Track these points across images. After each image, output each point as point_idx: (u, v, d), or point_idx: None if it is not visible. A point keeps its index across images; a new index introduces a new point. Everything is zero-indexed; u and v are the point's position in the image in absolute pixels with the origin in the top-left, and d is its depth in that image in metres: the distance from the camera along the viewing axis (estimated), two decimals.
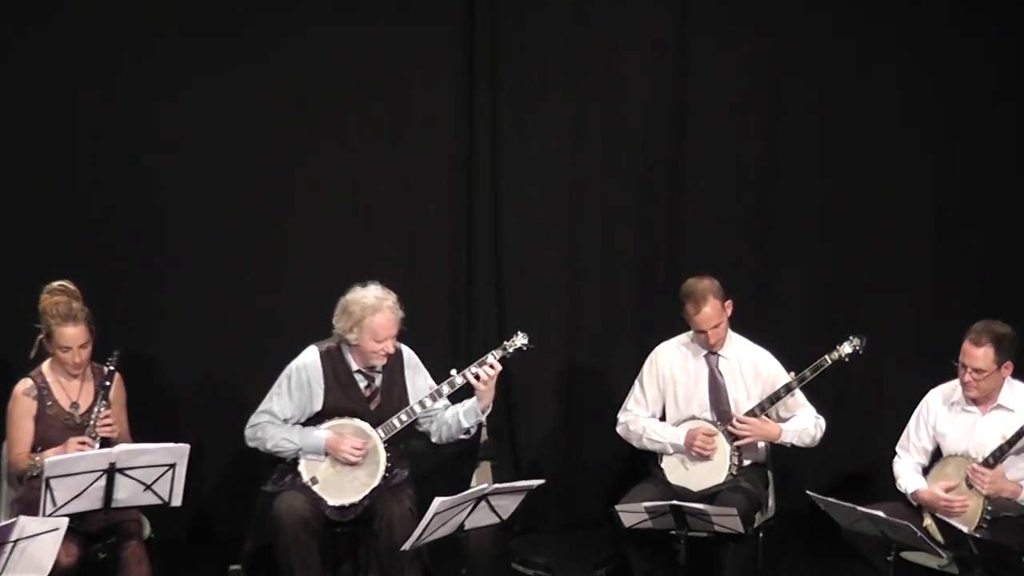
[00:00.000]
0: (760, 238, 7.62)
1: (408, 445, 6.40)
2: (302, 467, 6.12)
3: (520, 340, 6.26)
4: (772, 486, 6.61)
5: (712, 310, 6.33)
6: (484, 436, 7.12)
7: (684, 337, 6.63)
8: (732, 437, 6.25)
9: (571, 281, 7.55)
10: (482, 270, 7.48)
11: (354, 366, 6.18)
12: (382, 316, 6.07)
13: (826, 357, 6.26)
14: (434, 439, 6.35)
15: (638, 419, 6.58)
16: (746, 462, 6.42)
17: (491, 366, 6.10)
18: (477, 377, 6.10)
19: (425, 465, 6.69)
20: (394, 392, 6.24)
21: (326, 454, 6.08)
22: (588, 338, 7.58)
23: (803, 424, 6.41)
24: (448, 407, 6.29)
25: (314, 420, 6.21)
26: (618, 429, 6.64)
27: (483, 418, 6.25)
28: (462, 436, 6.31)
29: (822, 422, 6.47)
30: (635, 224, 7.55)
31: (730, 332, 6.54)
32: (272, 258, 7.18)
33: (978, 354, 5.95)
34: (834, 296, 7.63)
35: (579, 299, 7.56)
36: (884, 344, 6.90)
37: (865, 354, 6.34)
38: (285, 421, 6.15)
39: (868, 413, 7.31)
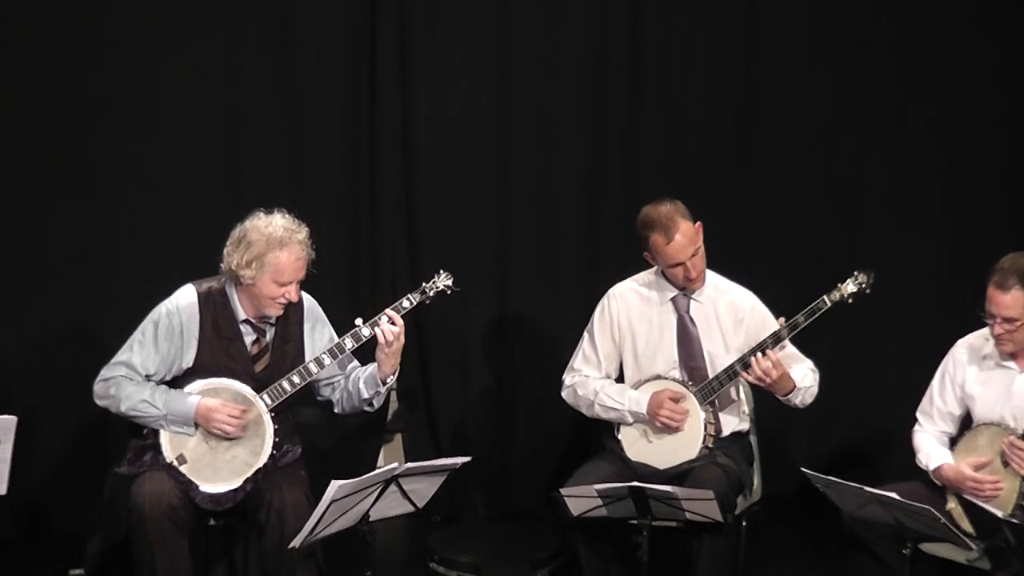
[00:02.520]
0: (738, 158, 7.30)
1: (299, 415, 6.12)
2: (165, 442, 5.75)
3: (443, 281, 5.98)
4: (757, 462, 6.33)
5: (686, 234, 5.98)
6: (394, 403, 7.03)
7: (644, 276, 6.25)
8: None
9: (502, 211, 7.25)
10: (390, 200, 7.14)
11: (241, 314, 5.84)
12: (289, 253, 5.73)
13: (824, 298, 5.91)
14: (337, 410, 6.10)
15: (588, 381, 6.22)
16: (725, 431, 6.11)
17: (391, 321, 5.81)
18: (384, 337, 5.81)
19: (320, 441, 6.53)
20: (288, 350, 5.92)
21: (196, 425, 5.75)
22: (524, 280, 7.29)
23: (808, 382, 6.11)
24: (354, 369, 6.05)
25: (181, 380, 5.86)
26: (563, 394, 6.28)
27: (383, 389, 5.95)
28: (367, 408, 6.04)
29: (817, 378, 6.20)
30: (581, 141, 7.20)
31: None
32: (127, 188, 6.87)
33: (1006, 300, 5.57)
34: (830, 227, 7.37)
35: (511, 233, 7.28)
36: (895, 285, 6.72)
37: (873, 296, 5.99)
38: (147, 378, 5.80)
39: (877, 371, 7.03)
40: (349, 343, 5.85)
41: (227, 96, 6.93)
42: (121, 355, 5.78)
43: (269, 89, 6.99)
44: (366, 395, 5.93)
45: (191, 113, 6.90)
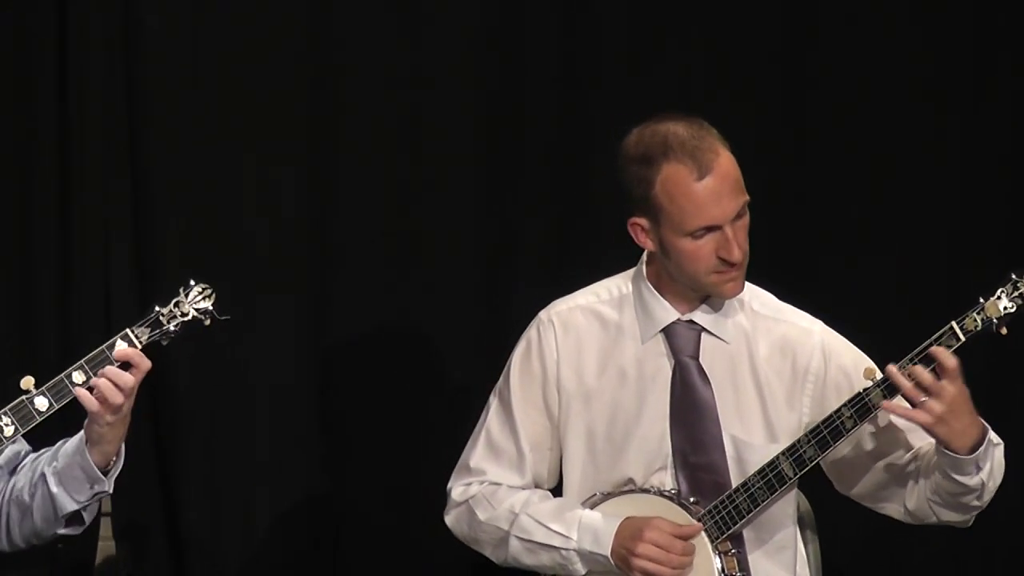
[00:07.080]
0: (792, 97, 5.75)
1: None
2: None
3: (196, 301, 4.68)
4: None
5: (729, 174, 4.43)
6: (106, 541, 5.41)
7: (614, 285, 4.64)
8: None
9: (320, 168, 5.52)
10: (93, 157, 5.50)
11: None
12: None
13: (954, 327, 4.47)
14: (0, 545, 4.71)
15: (498, 493, 4.66)
16: None
17: (124, 359, 4.45)
18: (91, 390, 4.41)
19: None
20: None
21: None
22: (364, 299, 5.60)
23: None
24: (25, 461, 4.69)
25: None
26: (448, 518, 4.68)
27: (107, 487, 4.47)
28: (62, 531, 4.56)
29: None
30: (476, 64, 5.55)
31: None
32: None
33: None
34: (955, 217, 5.81)
35: (338, 208, 5.57)
36: None
37: None
38: None
39: None
40: (8, 426, 4.52)
41: None
42: None
43: None
44: (69, 506, 4.51)
45: None
